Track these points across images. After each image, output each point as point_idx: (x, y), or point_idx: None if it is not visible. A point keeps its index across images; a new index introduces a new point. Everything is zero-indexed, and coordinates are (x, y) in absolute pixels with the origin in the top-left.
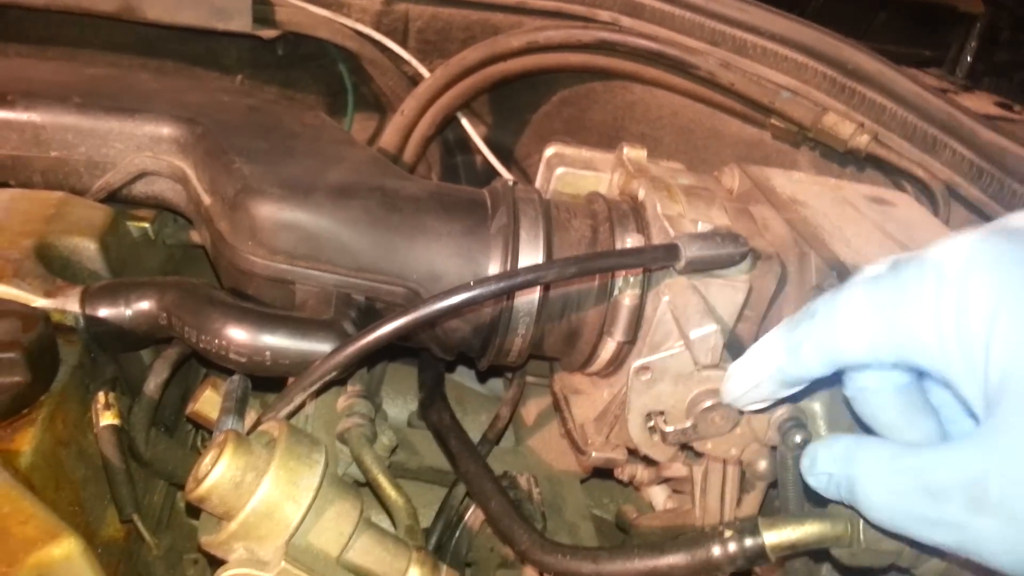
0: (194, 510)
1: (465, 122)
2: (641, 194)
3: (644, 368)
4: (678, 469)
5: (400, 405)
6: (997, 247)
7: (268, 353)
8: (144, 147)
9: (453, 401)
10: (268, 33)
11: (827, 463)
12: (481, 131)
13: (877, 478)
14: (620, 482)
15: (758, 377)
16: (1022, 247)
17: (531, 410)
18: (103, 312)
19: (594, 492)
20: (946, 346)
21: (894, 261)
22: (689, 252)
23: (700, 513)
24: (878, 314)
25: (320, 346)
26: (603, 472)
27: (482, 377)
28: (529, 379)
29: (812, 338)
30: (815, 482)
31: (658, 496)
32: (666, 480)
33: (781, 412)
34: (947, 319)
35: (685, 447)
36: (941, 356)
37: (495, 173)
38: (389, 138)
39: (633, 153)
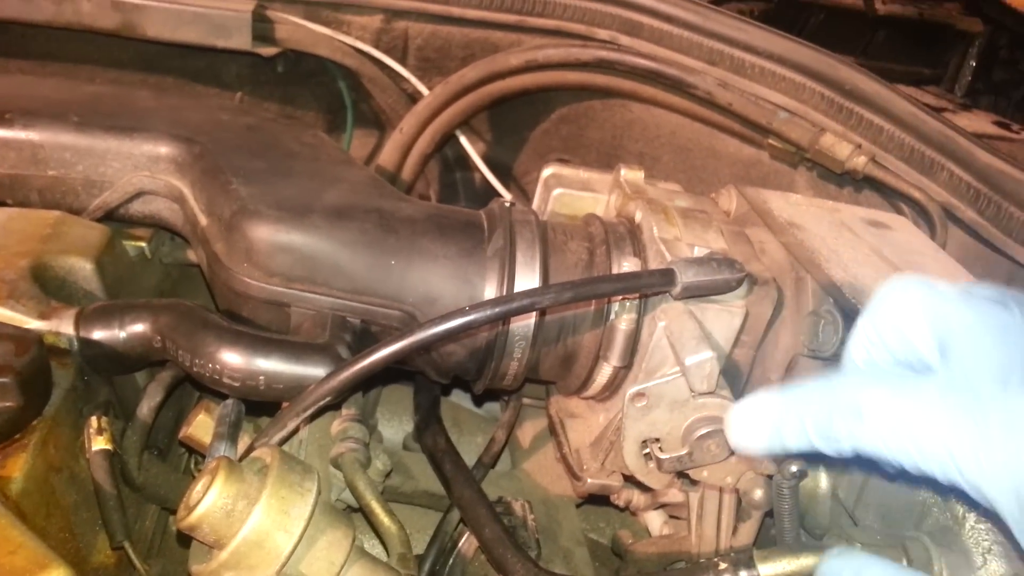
0: (185, 538)
1: (464, 140)
2: (638, 216)
3: (640, 395)
4: (674, 495)
5: (395, 426)
6: None
7: (262, 378)
8: (142, 166)
9: (449, 422)
10: (268, 51)
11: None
12: (480, 148)
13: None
14: (616, 507)
15: (772, 445)
16: None
17: (527, 432)
18: (97, 334)
19: (590, 516)
20: (991, 469)
21: (942, 355)
22: (685, 278)
23: (696, 540)
24: (927, 425)
25: (315, 371)
26: (599, 497)
27: (478, 400)
28: (525, 401)
29: (852, 438)
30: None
31: (654, 522)
32: (662, 506)
33: None
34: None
35: (681, 474)
36: (980, 475)
37: (494, 190)
38: (388, 155)
39: (631, 175)
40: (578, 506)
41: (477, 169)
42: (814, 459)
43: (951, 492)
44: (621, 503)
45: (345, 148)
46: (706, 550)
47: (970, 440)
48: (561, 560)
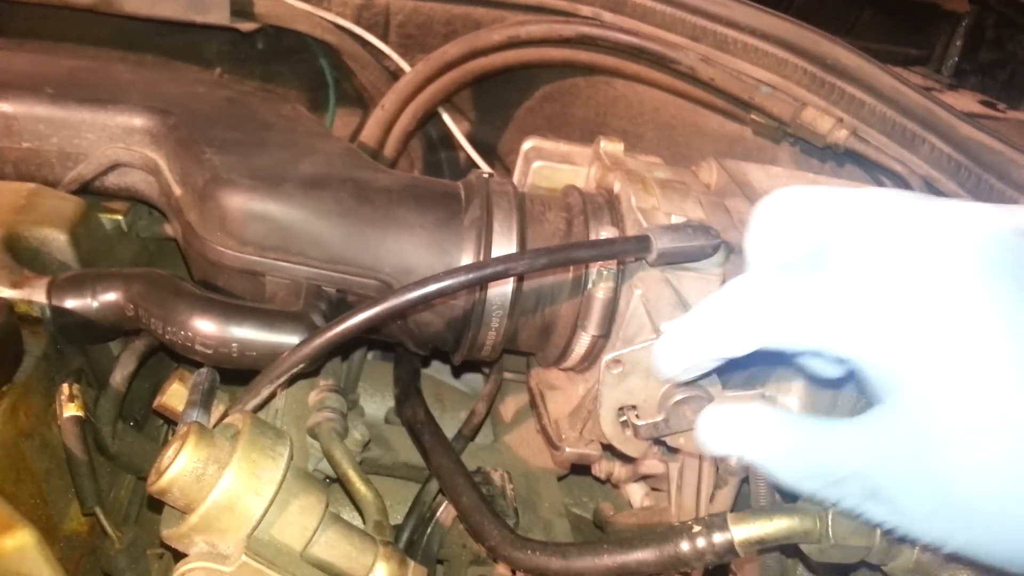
0: (157, 503)
1: (447, 117)
2: (616, 187)
3: (616, 361)
4: (654, 466)
5: (378, 401)
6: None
7: (235, 345)
8: (117, 138)
9: (431, 397)
10: (246, 26)
11: (726, 431)
12: (464, 127)
13: (776, 459)
14: (598, 479)
15: (692, 362)
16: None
17: (509, 406)
18: (70, 303)
19: (573, 490)
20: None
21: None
22: (660, 244)
23: (676, 510)
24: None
25: (288, 338)
26: (581, 469)
27: (456, 372)
28: (508, 375)
29: (750, 334)
30: (715, 449)
31: (636, 493)
32: (643, 477)
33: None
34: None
35: (659, 442)
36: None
37: (478, 169)
38: (369, 132)
39: (610, 146)
40: (560, 479)
41: (461, 148)
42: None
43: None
44: (602, 475)
45: (328, 126)
46: (685, 519)
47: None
48: (541, 530)
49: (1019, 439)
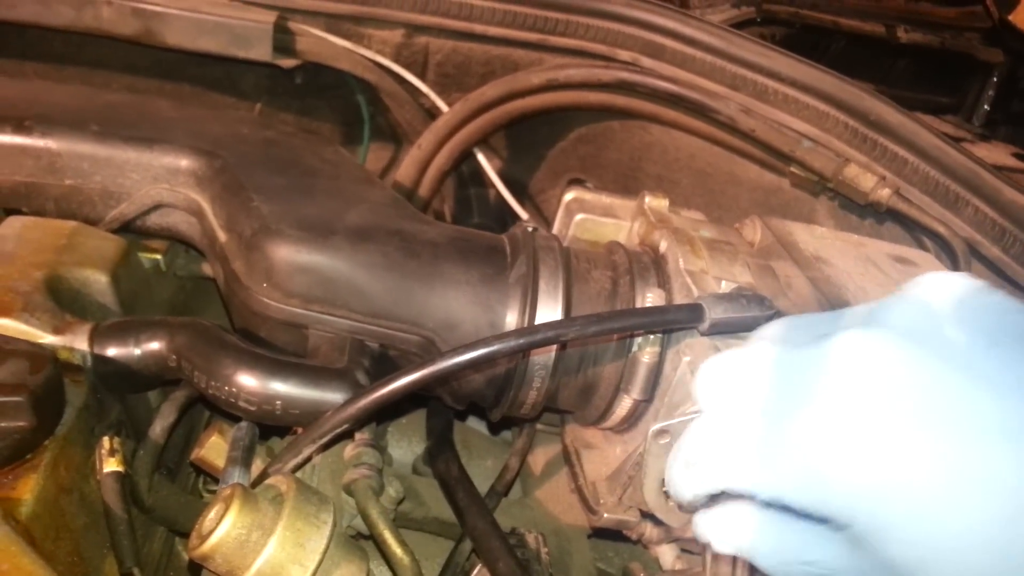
0: (196, 567)
1: (481, 157)
2: (663, 246)
3: (663, 432)
4: (688, 529)
5: (405, 447)
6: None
7: (279, 402)
8: (161, 179)
9: (458, 444)
10: (288, 62)
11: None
12: (496, 165)
13: (758, 553)
14: (629, 540)
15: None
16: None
17: (539, 459)
18: (112, 351)
19: (599, 545)
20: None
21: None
22: (714, 314)
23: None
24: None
25: (333, 396)
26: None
27: (494, 428)
28: (538, 427)
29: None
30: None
31: (667, 555)
32: (676, 540)
33: None
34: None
35: None
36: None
37: (508, 207)
38: (406, 171)
39: (655, 202)
40: (589, 536)
41: (492, 185)
42: None
43: None
44: (634, 536)
45: (361, 161)
46: None
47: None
48: None
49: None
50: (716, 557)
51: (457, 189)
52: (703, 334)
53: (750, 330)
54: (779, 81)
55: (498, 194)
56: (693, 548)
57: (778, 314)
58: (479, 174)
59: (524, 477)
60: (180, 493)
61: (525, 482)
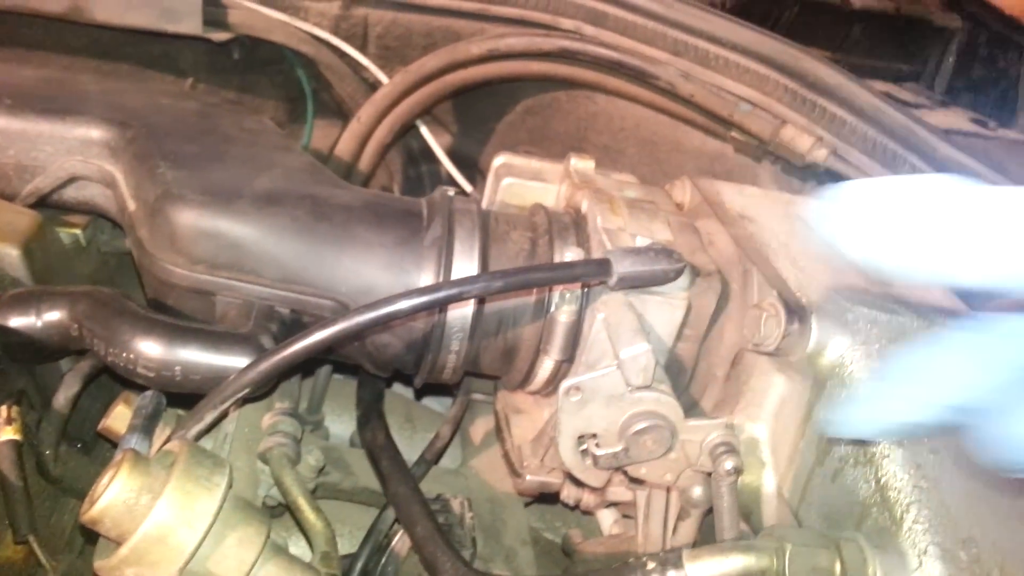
0: (91, 533)
1: (425, 130)
2: (584, 206)
3: (575, 388)
4: (622, 493)
5: (345, 422)
6: None
7: (178, 368)
8: (74, 151)
9: (401, 418)
10: (219, 36)
11: None
12: (445, 140)
13: None
14: (567, 506)
15: None
16: None
17: (479, 428)
18: (14, 322)
19: (545, 515)
20: None
21: None
22: (621, 267)
23: (642, 540)
24: None
25: (234, 361)
26: (551, 495)
27: (419, 394)
28: (478, 397)
29: None
30: None
31: (606, 520)
32: (613, 504)
33: (713, 437)
34: None
35: (624, 471)
36: None
37: (459, 184)
38: (345, 145)
39: (580, 164)
40: (528, 504)
41: (443, 162)
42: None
43: None
44: (571, 501)
45: (306, 139)
46: (652, 549)
47: None
48: (502, 559)
49: None
50: (648, 519)
51: (407, 166)
52: (613, 288)
53: (662, 283)
54: (720, 46)
55: (449, 171)
56: (630, 512)
57: (691, 268)
58: (429, 151)
59: (464, 446)
60: (90, 464)
61: (464, 452)
